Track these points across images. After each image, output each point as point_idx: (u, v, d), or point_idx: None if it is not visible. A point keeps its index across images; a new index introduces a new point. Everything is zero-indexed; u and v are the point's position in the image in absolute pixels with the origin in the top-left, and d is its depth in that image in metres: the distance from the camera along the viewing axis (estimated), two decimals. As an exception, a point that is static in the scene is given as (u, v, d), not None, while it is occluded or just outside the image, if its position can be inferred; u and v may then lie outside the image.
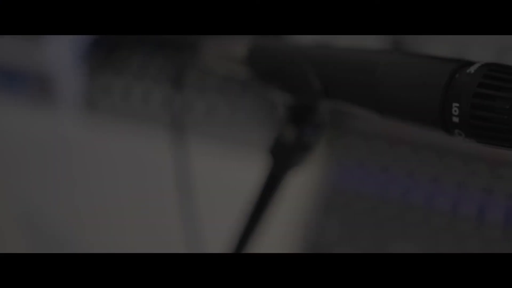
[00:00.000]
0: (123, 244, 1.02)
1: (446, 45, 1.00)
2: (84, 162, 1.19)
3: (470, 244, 1.00)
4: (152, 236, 1.08)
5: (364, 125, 1.11)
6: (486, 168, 1.03)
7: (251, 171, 0.60)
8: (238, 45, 0.53)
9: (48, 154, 1.22)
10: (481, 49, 0.98)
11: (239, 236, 0.60)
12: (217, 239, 0.64)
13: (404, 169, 1.08)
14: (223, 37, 0.56)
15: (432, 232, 1.05)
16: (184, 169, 0.67)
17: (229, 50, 0.53)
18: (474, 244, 0.99)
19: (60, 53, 1.18)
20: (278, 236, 1.13)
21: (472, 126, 0.38)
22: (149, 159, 1.09)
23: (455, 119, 0.38)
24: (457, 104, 0.38)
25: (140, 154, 1.12)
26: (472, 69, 0.38)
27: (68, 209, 1.20)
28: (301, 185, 1.17)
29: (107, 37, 1.18)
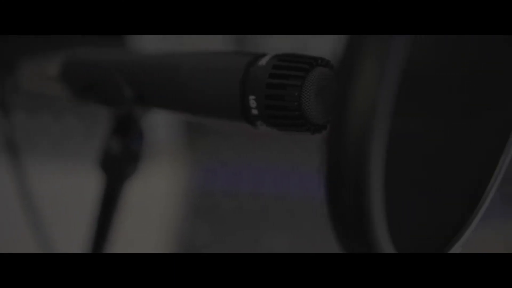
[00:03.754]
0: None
1: (288, 42, 1.03)
2: None
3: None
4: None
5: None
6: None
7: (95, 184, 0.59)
8: (52, 62, 0.52)
9: None
10: (319, 44, 1.02)
11: (90, 247, 0.59)
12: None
13: (265, 161, 1.11)
14: (38, 55, 0.55)
15: (299, 221, 1.08)
16: (27, 190, 0.65)
17: (43, 68, 0.52)
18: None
19: None
20: (151, 243, 1.12)
21: (269, 116, 0.39)
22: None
23: (254, 111, 0.40)
24: (253, 97, 0.39)
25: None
26: (264, 61, 0.39)
27: None
28: (169, 192, 1.16)
29: None
